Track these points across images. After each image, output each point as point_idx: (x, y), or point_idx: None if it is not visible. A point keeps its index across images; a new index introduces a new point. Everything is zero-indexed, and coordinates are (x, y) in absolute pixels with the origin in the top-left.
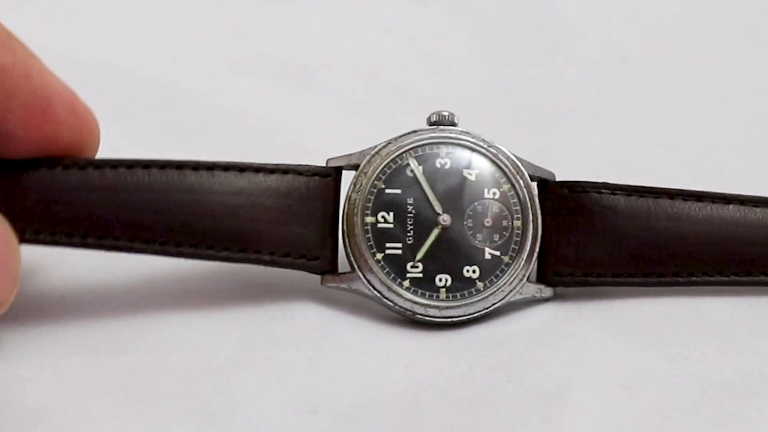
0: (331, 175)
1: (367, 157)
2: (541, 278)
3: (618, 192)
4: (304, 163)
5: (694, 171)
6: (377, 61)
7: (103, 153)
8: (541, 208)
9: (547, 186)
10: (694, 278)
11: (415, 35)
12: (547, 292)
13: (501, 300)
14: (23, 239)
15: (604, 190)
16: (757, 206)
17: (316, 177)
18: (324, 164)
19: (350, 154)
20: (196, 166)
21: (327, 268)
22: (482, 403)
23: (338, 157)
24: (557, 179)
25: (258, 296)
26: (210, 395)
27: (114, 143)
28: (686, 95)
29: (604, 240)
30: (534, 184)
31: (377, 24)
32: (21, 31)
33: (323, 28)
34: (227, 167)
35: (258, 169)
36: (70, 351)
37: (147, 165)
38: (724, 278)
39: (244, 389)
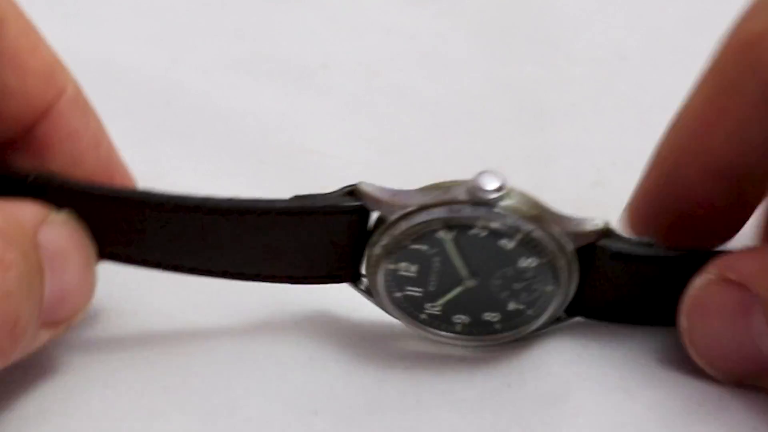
0: (357, 212)
1: (395, 217)
2: None
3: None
4: (326, 191)
5: None
6: (377, 61)
7: None
8: (581, 275)
9: (595, 254)
10: None
11: (414, 35)
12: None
13: (518, 338)
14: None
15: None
16: None
17: (344, 215)
18: (346, 184)
19: (379, 198)
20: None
21: (349, 279)
22: (482, 406)
23: (368, 192)
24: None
25: (259, 294)
26: (210, 390)
27: (114, 142)
28: (686, 93)
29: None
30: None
31: (377, 24)
32: None
33: (323, 28)
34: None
35: (279, 212)
36: (69, 346)
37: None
38: None
39: (244, 386)
